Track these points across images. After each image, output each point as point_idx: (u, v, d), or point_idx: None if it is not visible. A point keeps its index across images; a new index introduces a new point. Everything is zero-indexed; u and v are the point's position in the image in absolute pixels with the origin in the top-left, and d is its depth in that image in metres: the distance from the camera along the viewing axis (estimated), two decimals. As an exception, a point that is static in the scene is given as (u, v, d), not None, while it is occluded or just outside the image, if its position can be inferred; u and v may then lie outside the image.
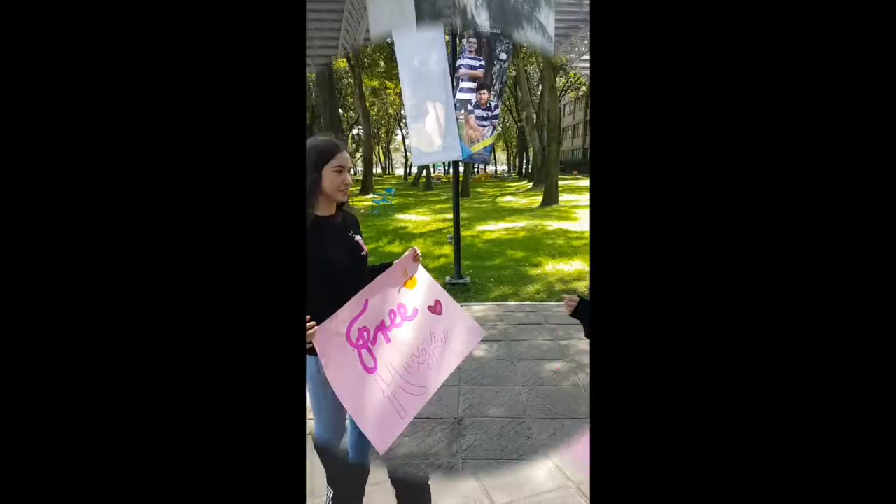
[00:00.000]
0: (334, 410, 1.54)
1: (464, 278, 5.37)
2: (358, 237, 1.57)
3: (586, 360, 3.17)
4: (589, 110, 36.63)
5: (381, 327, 1.55)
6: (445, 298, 1.79)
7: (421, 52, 4.48)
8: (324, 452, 1.68)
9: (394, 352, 1.56)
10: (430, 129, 4.64)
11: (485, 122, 5.06)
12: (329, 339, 1.39)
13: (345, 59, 19.96)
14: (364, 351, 1.48)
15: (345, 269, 1.50)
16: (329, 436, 1.62)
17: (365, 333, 1.49)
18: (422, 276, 1.74)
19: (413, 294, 1.69)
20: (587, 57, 18.87)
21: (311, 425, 1.68)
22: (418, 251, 1.74)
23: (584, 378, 2.91)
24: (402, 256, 1.70)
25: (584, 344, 3.45)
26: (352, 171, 1.50)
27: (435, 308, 1.74)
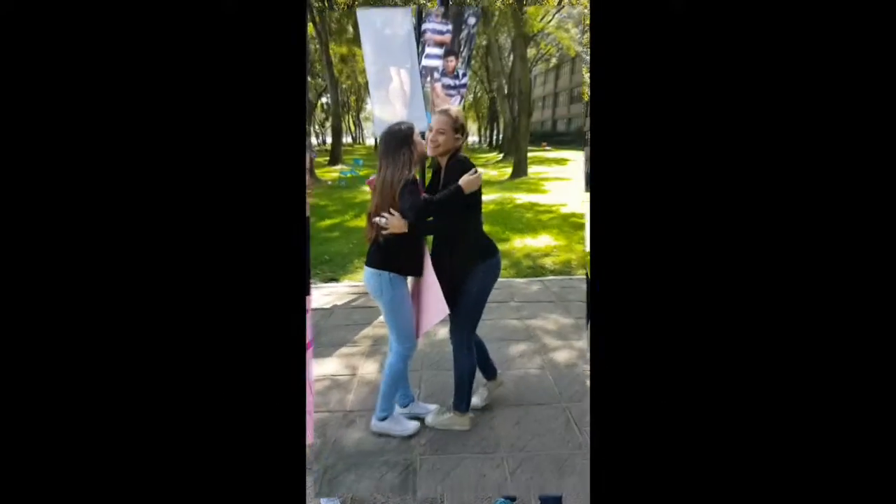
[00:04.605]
0: (412, 320, 2.08)
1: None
2: None
3: (551, 340, 3.09)
4: (559, 82, 36.39)
5: None
6: None
7: (383, 15, 4.21)
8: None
9: None
10: (394, 97, 4.37)
11: (452, 91, 4.81)
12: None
13: (311, 24, 19.11)
14: None
15: None
16: (410, 344, 2.07)
17: None
18: None
19: None
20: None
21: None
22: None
23: (548, 360, 2.82)
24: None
25: (550, 324, 3.37)
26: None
27: None
